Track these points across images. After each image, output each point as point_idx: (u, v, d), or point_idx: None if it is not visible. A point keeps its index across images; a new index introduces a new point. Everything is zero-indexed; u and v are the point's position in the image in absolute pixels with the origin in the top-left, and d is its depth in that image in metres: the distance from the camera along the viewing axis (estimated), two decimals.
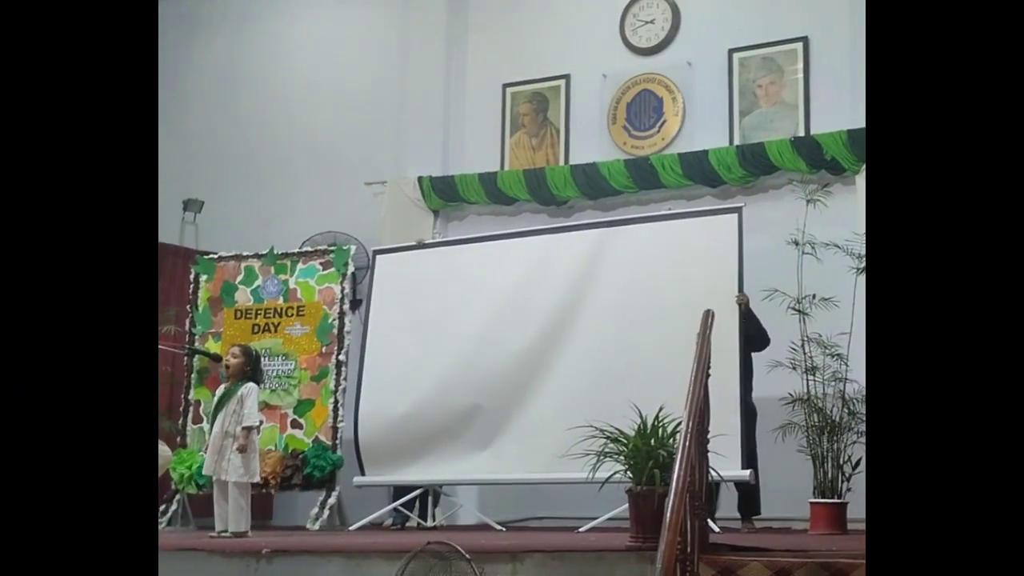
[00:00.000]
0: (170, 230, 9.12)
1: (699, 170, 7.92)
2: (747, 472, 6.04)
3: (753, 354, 6.41)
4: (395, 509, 7.22)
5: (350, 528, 7.03)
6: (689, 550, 3.72)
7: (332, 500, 7.17)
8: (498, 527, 6.87)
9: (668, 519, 3.46)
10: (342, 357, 7.49)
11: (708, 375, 4.45)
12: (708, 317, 4.78)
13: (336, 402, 7.41)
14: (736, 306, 6.28)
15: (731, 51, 8.17)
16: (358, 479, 7.28)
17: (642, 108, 8.46)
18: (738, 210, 6.63)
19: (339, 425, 7.38)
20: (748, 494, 6.31)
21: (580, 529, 6.21)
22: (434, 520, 7.31)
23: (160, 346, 7.41)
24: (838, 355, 5.92)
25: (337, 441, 7.35)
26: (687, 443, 3.91)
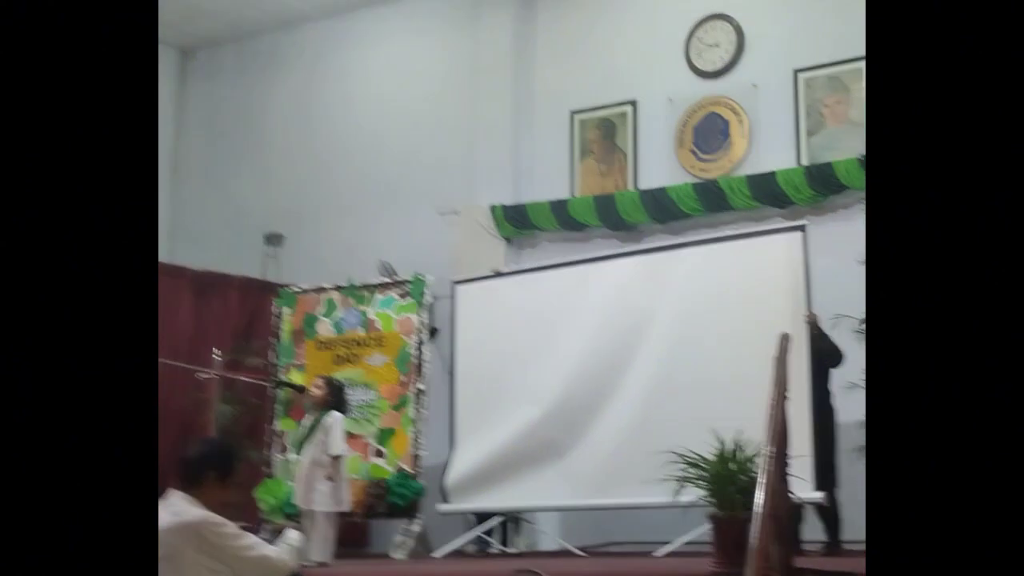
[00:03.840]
0: (252, 264, 9.40)
1: (767, 191, 7.94)
2: (820, 494, 6.00)
3: (832, 373, 6.38)
4: (478, 536, 7.33)
5: (434, 555, 7.14)
6: None
7: (415, 528, 7.30)
8: (579, 553, 6.94)
9: (753, 545, 3.51)
10: (421, 386, 7.64)
11: (786, 398, 4.50)
12: (784, 340, 4.83)
13: (416, 430, 7.56)
14: (806, 325, 6.27)
15: (796, 71, 8.19)
16: (442, 506, 7.41)
17: (709, 131, 8.51)
18: (802, 228, 6.64)
19: (420, 453, 7.53)
20: (829, 519, 6.27)
21: (656, 553, 6.26)
22: (515, 547, 7.39)
23: (246, 378, 7.67)
24: None
25: (419, 469, 7.49)
26: (769, 467, 3.96)
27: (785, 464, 4.34)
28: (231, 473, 3.66)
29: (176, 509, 3.57)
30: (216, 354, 6.92)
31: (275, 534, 3.85)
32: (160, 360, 8.02)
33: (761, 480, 3.89)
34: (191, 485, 3.60)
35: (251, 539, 3.64)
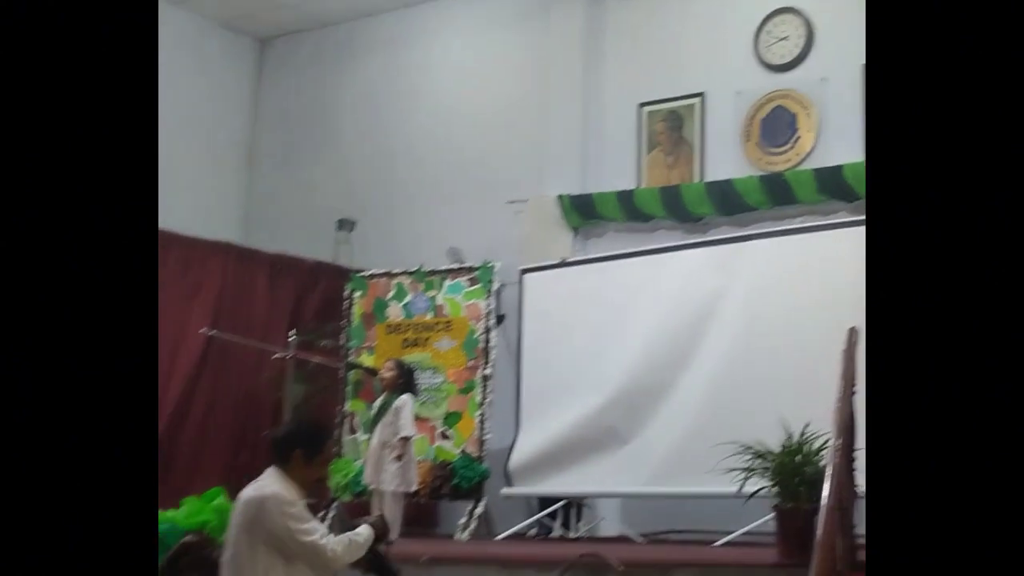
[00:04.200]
0: (325, 249, 9.60)
1: (834, 185, 7.91)
2: None
3: None
4: (539, 520, 7.47)
5: (497, 538, 7.29)
6: (838, 568, 3.83)
7: (479, 510, 7.45)
8: (639, 539, 7.05)
9: (820, 537, 3.59)
10: (488, 371, 7.79)
11: (854, 392, 4.56)
12: (852, 335, 4.89)
13: (482, 414, 7.72)
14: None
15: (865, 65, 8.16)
16: (505, 490, 7.56)
17: (776, 124, 8.50)
18: None
19: (485, 437, 7.68)
20: None
21: (717, 543, 6.34)
22: (576, 531, 7.52)
23: (319, 359, 7.88)
24: None
25: (484, 452, 7.65)
26: (836, 460, 4.03)
27: (852, 457, 4.40)
28: (319, 452, 3.80)
29: (261, 483, 3.73)
30: (290, 335, 7.12)
31: (353, 527, 3.90)
32: (236, 338, 8.24)
33: (828, 473, 3.96)
34: (280, 462, 3.76)
35: (312, 525, 3.68)
